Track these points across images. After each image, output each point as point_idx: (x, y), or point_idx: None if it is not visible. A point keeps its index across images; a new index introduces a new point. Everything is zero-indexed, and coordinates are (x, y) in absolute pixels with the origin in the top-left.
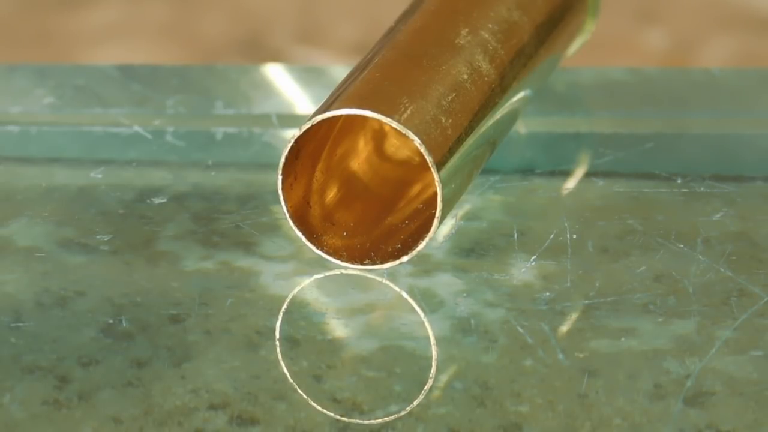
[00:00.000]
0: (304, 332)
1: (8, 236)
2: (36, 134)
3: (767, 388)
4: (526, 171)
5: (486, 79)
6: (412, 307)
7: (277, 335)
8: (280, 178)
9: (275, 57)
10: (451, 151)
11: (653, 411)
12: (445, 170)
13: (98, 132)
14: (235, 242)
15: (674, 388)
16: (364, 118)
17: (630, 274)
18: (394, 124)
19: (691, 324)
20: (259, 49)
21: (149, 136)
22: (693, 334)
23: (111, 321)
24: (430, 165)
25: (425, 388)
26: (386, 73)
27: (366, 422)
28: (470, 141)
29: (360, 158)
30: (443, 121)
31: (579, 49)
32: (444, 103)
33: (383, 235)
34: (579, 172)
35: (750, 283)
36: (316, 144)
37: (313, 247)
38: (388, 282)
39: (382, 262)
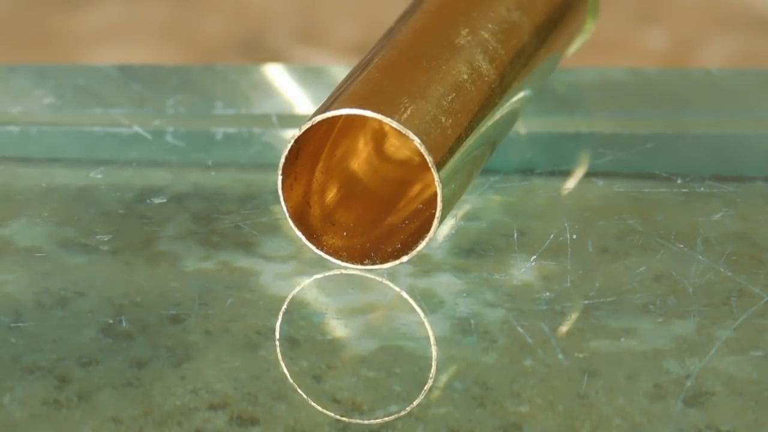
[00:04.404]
0: (304, 332)
1: (8, 236)
2: (36, 134)
3: (767, 388)
4: (526, 171)
5: (486, 79)
6: (412, 307)
7: (277, 335)
8: (280, 178)
9: (275, 57)
10: (451, 151)
11: (653, 411)
12: (445, 170)
13: (98, 132)
14: (235, 242)
15: (674, 388)
16: (364, 118)
17: (630, 274)
18: (394, 124)
19: (691, 324)
20: (259, 49)
21: (149, 136)
22: (693, 334)
23: (111, 321)
24: (430, 165)
25: (425, 388)
26: (386, 73)
27: (366, 422)
28: (470, 141)
29: (360, 158)
30: (443, 121)
31: (579, 49)
32: (444, 103)
33: (383, 235)
34: (579, 172)
35: (750, 283)
36: (316, 144)
37: (313, 247)
38: (388, 282)
39: (382, 262)
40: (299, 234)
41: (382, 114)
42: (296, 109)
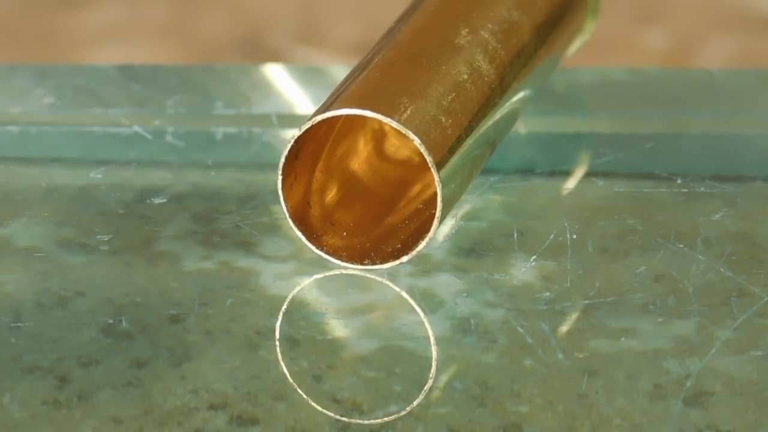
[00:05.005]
0: (304, 332)
1: (8, 236)
2: (36, 134)
3: (767, 388)
4: (526, 171)
5: (486, 79)
6: (412, 307)
7: (277, 335)
8: (280, 178)
9: (275, 57)
10: (451, 151)
11: (653, 411)
12: (445, 170)
13: (98, 132)
14: (235, 242)
15: (674, 388)
16: (364, 118)
17: (630, 274)
18: (394, 124)
19: (691, 324)
20: (259, 49)
21: (149, 136)
22: (693, 334)
23: (111, 321)
24: (430, 165)
25: (425, 388)
26: (386, 73)
27: (366, 422)
28: (470, 141)
29: (360, 158)
30: (443, 121)
31: (579, 49)
32: (444, 103)
33: (383, 235)
34: (579, 172)
35: (750, 283)
36: (316, 144)
37: (313, 247)
38: (388, 282)
39: (382, 262)
40: (299, 234)
41: (382, 114)
42: (296, 109)
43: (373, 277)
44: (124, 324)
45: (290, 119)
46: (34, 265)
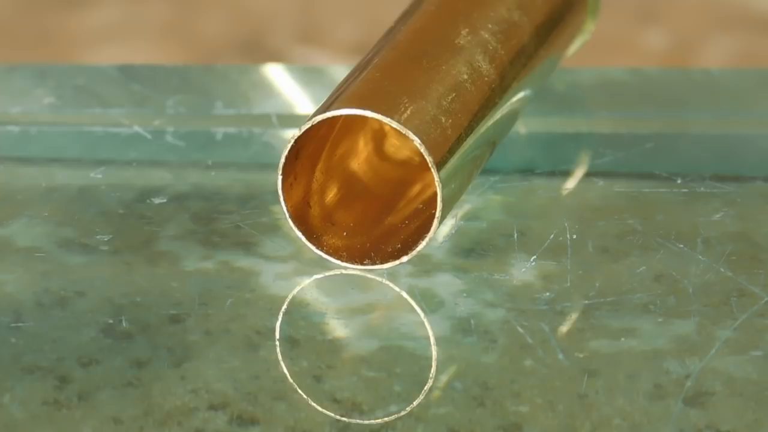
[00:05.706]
0: (304, 332)
1: (8, 236)
2: (36, 134)
3: (767, 388)
4: (526, 171)
5: (486, 79)
6: (412, 307)
7: (277, 335)
8: (280, 178)
9: (275, 57)
10: (451, 151)
11: (653, 411)
12: (445, 170)
13: (98, 132)
14: (235, 242)
15: (674, 388)
16: (364, 118)
17: (630, 274)
18: (394, 124)
19: (691, 324)
20: (259, 49)
21: (149, 136)
22: (693, 334)
23: (111, 321)
24: (430, 165)
25: (425, 388)
26: (386, 73)
27: (366, 422)
28: (470, 141)
29: (360, 158)
30: (443, 121)
31: (579, 49)
32: (444, 103)
33: (383, 235)
34: (579, 172)
35: (750, 283)
36: (316, 144)
37: (313, 247)
38: (388, 282)
39: (382, 262)
40: (299, 234)
41: (382, 114)
42: (296, 109)
43: (373, 277)
44: (124, 324)
45: (290, 119)
46: (34, 265)
